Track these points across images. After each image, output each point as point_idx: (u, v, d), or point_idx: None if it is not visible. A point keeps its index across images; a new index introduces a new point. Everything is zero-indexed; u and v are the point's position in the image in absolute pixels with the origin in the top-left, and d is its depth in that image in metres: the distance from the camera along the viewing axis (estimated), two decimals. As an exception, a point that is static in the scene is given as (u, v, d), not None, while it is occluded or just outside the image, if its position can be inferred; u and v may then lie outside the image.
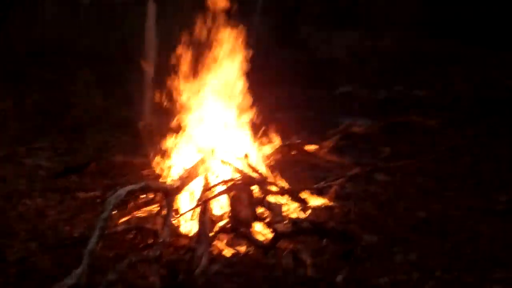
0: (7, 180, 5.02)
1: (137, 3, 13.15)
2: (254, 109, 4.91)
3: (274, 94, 10.18)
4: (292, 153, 4.66)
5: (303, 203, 4.06)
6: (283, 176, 4.49)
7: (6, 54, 10.81)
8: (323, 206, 4.16)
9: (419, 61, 14.81)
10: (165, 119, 5.01)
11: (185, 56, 4.79)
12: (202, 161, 4.11)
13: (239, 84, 4.79)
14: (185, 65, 4.76)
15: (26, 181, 5.07)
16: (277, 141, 4.76)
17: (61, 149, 6.19)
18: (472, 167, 5.51)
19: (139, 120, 6.47)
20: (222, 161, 4.06)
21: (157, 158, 4.64)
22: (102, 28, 14.00)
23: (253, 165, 4.13)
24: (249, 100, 4.94)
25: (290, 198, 4.04)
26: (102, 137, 6.73)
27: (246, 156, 4.17)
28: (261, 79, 10.43)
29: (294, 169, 5.01)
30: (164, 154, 4.63)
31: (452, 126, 7.18)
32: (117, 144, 6.54)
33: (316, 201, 4.16)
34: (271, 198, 3.99)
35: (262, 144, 4.79)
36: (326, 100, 9.93)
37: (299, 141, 4.76)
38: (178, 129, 4.75)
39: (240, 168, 4.03)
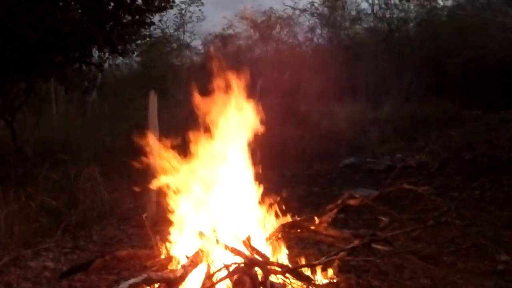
0: (11, 285, 5.01)
1: (142, 96, 13.60)
2: (260, 189, 4.99)
3: (280, 172, 10.35)
4: (294, 230, 4.66)
5: (308, 281, 4.03)
6: (287, 254, 4.49)
7: (15, 156, 11.07)
8: (327, 281, 4.12)
9: (419, 126, 15.10)
10: (169, 209, 5.08)
11: (188, 142, 4.92)
12: (203, 248, 4.12)
13: (244, 165, 4.88)
14: (188, 151, 4.88)
15: (31, 284, 5.06)
16: (281, 219, 4.78)
17: (67, 248, 6.18)
18: (464, 230, 5.51)
19: (144, 212, 6.57)
20: (223, 246, 4.06)
21: (161, 249, 4.68)
22: (108, 123, 14.39)
23: (255, 246, 4.12)
24: (255, 180, 5.03)
25: (293, 276, 4.01)
26: (108, 232, 6.79)
27: (248, 238, 4.17)
28: (267, 158, 10.63)
29: (297, 246, 5.01)
30: (167, 243, 4.67)
31: (444, 190, 7.38)
32: (124, 238, 6.58)
33: (320, 277, 4.12)
34: (275, 279, 3.97)
35: (266, 223, 4.81)
36: (330, 173, 10.03)
37: (299, 218, 4.76)
38: (180, 217, 4.82)
39: (242, 251, 4.03)
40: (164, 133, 7.17)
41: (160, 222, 5.89)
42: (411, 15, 25.17)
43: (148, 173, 7.10)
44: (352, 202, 5.20)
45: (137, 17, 9.32)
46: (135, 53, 19.94)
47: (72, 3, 7.84)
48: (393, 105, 17.63)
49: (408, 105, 18.09)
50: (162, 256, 4.54)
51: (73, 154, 10.77)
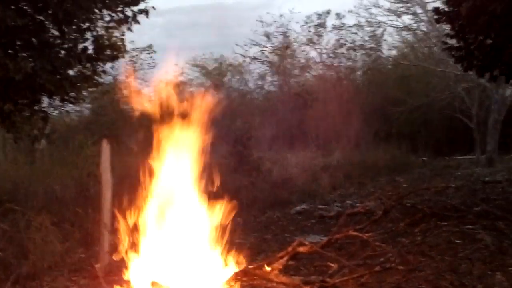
0: None
1: (94, 143, 13.55)
2: (212, 236, 5.05)
3: (233, 220, 10.37)
4: (246, 278, 4.71)
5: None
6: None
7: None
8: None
9: (368, 172, 15.49)
10: (122, 258, 5.09)
11: (140, 192, 4.97)
12: (157, 297, 4.14)
13: (196, 213, 4.95)
14: (141, 200, 4.92)
15: None
16: (233, 267, 4.83)
17: (16, 300, 6.06)
18: (408, 275, 5.67)
19: (96, 262, 6.51)
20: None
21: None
22: (58, 170, 14.19)
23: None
24: (207, 228, 5.10)
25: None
26: (59, 283, 6.62)
27: None
28: (219, 206, 10.66)
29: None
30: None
31: (390, 236, 7.66)
32: (75, 289, 6.48)
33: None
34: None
35: (218, 271, 4.86)
36: (282, 220, 10.14)
37: (251, 266, 4.82)
38: (134, 265, 4.84)
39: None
40: (116, 180, 7.21)
41: (113, 271, 5.86)
42: (358, 64, 26.03)
43: (100, 222, 7.11)
44: (302, 249, 5.31)
45: (88, 65, 9.38)
46: (87, 100, 19.94)
47: (23, 53, 7.83)
48: (343, 151, 18.03)
49: (358, 152, 18.54)
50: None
51: (22, 202, 10.56)
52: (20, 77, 7.63)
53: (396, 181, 14.67)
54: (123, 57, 10.34)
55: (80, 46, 9.27)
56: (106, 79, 18.61)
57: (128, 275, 4.79)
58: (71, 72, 9.48)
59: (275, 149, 16.89)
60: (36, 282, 6.61)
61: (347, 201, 11.13)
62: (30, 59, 7.75)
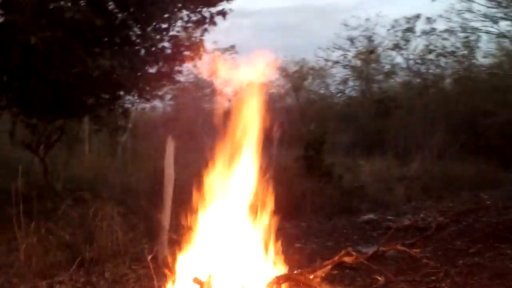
0: (22, 314, 5.21)
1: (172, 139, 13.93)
2: (268, 238, 5.10)
3: (297, 223, 10.42)
4: (288, 283, 4.74)
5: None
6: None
7: (45, 191, 11.46)
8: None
9: (449, 185, 14.82)
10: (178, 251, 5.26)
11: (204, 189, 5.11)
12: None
13: (256, 214, 5.03)
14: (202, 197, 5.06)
15: (40, 314, 5.26)
16: (277, 271, 4.87)
17: (79, 282, 6.36)
18: None
19: (157, 253, 6.76)
20: (216, 292, 4.19)
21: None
22: (136, 164, 14.76)
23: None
24: (266, 229, 5.17)
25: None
26: (120, 270, 6.93)
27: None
28: (285, 209, 10.73)
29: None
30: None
31: (442, 254, 7.41)
32: (134, 277, 6.73)
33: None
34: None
35: (265, 273, 4.90)
36: (347, 229, 10.02)
37: (295, 271, 4.85)
38: (185, 259, 4.99)
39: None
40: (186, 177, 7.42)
41: (169, 265, 6.05)
42: (448, 72, 24.97)
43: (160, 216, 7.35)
44: (347, 259, 5.27)
45: (164, 65, 9.67)
46: (169, 97, 20.52)
47: (103, 50, 8.19)
48: (423, 162, 17.40)
49: (440, 164, 17.78)
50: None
51: (98, 192, 11.10)
52: (98, 74, 8.00)
53: (479, 197, 13.83)
54: (200, 57, 10.53)
55: (159, 45, 9.60)
56: (187, 77, 19.22)
57: (177, 270, 4.93)
58: (149, 70, 9.84)
59: (350, 156, 16.69)
60: (99, 267, 6.95)
61: (420, 214, 10.77)
62: (108, 57, 8.05)
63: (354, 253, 5.24)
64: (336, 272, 6.00)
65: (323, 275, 4.97)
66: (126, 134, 17.88)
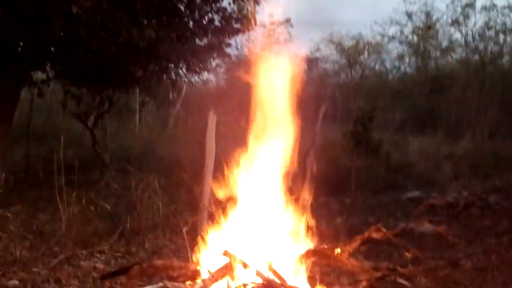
0: (61, 281, 5.36)
1: (225, 113, 13.96)
2: (305, 215, 5.07)
3: (341, 199, 10.36)
4: (318, 257, 4.71)
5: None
6: (307, 279, 4.56)
7: (94, 162, 11.74)
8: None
9: (499, 165, 14.43)
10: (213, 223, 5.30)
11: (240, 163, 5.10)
12: (227, 265, 4.27)
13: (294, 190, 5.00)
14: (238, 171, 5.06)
15: (78, 282, 5.40)
16: (307, 245, 4.84)
17: (119, 252, 6.52)
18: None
19: (196, 225, 6.84)
20: (244, 265, 4.19)
21: (193, 261, 4.88)
22: (186, 137, 14.87)
23: (277, 269, 4.23)
24: (307, 204, 5.14)
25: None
26: (160, 241, 7.10)
27: (270, 260, 4.28)
28: (330, 184, 10.68)
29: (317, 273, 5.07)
30: (198, 257, 4.87)
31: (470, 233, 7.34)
32: (174, 249, 6.85)
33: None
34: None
35: (295, 248, 4.88)
36: (391, 205, 9.91)
37: (325, 246, 4.80)
38: (218, 233, 5.02)
39: (262, 273, 4.15)
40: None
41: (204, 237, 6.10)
42: (506, 49, 24.18)
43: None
44: (376, 235, 5.19)
45: (213, 38, 9.61)
46: (222, 70, 20.52)
47: (149, 21, 8.19)
48: (473, 140, 16.99)
49: (491, 142, 17.35)
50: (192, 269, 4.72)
51: (145, 164, 11.29)
52: (144, 44, 8.03)
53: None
54: (249, 30, 10.41)
55: (207, 17, 9.55)
56: (241, 51, 19.13)
57: (211, 242, 4.97)
58: (197, 43, 9.82)
59: (400, 133, 16.39)
60: (140, 238, 7.12)
61: (464, 193, 10.55)
62: (155, 28, 8.05)
63: (383, 229, 5.16)
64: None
65: (352, 250, 4.92)
66: (177, 107, 18.04)
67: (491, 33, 23.27)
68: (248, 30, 10.31)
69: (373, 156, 11.83)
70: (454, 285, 5.00)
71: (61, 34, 7.75)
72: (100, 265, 6.02)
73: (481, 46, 23.89)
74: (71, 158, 9.59)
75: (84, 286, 5.28)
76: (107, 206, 7.47)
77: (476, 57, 23.98)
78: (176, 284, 3.91)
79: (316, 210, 8.31)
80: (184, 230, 5.80)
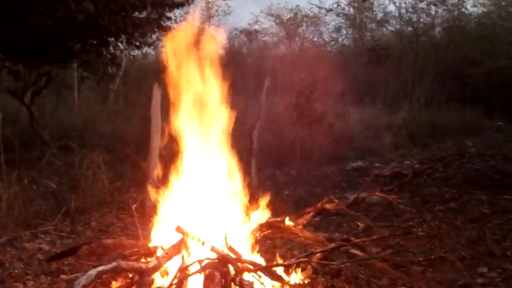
0: (4, 264, 5.18)
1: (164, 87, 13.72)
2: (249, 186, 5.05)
3: (287, 171, 10.43)
4: (271, 230, 4.73)
5: (280, 280, 4.11)
6: (261, 253, 4.57)
7: (32, 140, 11.36)
8: (300, 282, 4.20)
9: (435, 133, 14.98)
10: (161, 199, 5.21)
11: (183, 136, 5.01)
12: (181, 241, 4.22)
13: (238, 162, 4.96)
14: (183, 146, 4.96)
15: (23, 265, 5.23)
16: (260, 219, 4.84)
17: (64, 232, 6.35)
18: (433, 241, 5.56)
19: (143, 202, 6.73)
20: (198, 240, 4.15)
21: (145, 239, 4.81)
22: (127, 112, 14.59)
23: (231, 244, 4.21)
24: (253, 176, 5.11)
25: (266, 275, 4.08)
26: (106, 219, 6.96)
27: (224, 235, 4.26)
28: (275, 157, 10.71)
29: (270, 246, 5.12)
30: (151, 235, 4.80)
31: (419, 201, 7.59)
32: (121, 226, 6.74)
33: (292, 278, 4.20)
34: (248, 276, 4.04)
35: (248, 221, 4.88)
36: (336, 176, 10.06)
37: (277, 219, 4.82)
38: (167, 209, 4.94)
39: (216, 248, 4.12)
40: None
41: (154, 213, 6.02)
42: (438, 21, 24.88)
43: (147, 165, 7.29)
44: (329, 206, 5.27)
45: (153, 11, 9.41)
46: (160, 44, 20.10)
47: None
48: (410, 110, 17.51)
49: (427, 112, 17.94)
50: (144, 247, 4.65)
51: (87, 140, 11.02)
52: (83, 17, 7.77)
53: (464, 144, 14.03)
54: (189, 3, 10.23)
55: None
56: (180, 24, 18.78)
57: (161, 218, 4.90)
58: (137, 15, 9.58)
59: (341, 104, 16.60)
60: (85, 216, 6.96)
61: (406, 162, 10.85)
62: (93, 0, 7.80)
63: (336, 200, 5.23)
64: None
65: (305, 222, 4.96)
66: (117, 82, 17.65)
67: (423, 5, 23.84)
68: (188, 4, 10.16)
69: (316, 128, 11.91)
70: (406, 252, 5.12)
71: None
72: (45, 246, 5.85)
73: (414, 18, 24.50)
74: (9, 137, 9.26)
75: (29, 269, 5.10)
76: (51, 184, 7.22)
77: (410, 28, 24.61)
78: (130, 263, 3.83)
79: (263, 182, 8.42)
80: (133, 207, 5.67)
